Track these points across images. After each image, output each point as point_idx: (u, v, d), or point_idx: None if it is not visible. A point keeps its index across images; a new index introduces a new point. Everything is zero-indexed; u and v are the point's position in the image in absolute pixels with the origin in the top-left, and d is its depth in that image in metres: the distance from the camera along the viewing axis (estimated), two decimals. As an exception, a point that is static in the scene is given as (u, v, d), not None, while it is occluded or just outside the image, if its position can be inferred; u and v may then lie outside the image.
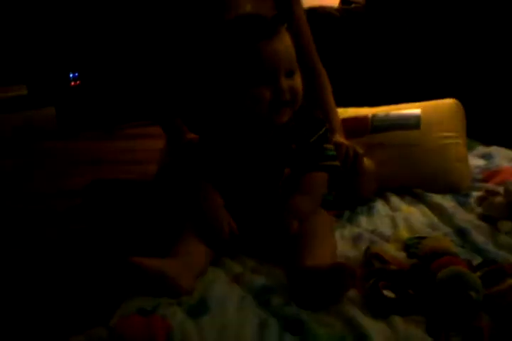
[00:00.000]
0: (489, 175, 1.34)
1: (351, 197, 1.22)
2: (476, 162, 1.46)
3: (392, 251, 0.98)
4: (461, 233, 1.04)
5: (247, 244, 1.02)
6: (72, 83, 2.96)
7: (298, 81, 1.02)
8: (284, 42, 1.01)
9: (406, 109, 1.42)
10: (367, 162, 1.24)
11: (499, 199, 1.07)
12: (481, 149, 1.56)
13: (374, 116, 1.42)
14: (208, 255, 0.97)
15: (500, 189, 1.09)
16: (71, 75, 2.97)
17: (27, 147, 2.53)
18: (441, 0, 1.97)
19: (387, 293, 0.83)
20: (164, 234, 1.05)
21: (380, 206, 1.22)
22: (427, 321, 0.79)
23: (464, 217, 1.10)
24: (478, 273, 0.84)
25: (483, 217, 1.09)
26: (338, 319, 0.79)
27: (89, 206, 1.54)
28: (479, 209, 1.13)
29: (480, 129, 1.59)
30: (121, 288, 0.90)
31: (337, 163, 1.09)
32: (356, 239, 1.06)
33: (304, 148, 1.05)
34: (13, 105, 2.59)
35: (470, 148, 1.55)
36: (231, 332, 0.77)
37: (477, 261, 0.91)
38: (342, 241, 1.06)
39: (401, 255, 0.96)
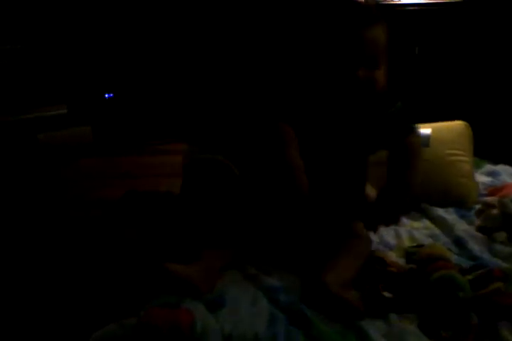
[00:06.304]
0: (493, 190, 1.41)
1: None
2: (483, 179, 1.53)
3: (393, 257, 1.07)
4: (459, 242, 1.13)
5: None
6: (107, 103, 3.15)
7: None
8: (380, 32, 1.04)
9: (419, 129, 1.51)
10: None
11: (495, 211, 1.15)
12: (489, 167, 1.63)
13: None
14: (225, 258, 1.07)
15: (497, 202, 1.17)
16: (106, 96, 3.16)
17: (66, 163, 2.69)
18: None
19: (385, 293, 0.93)
20: (189, 240, 1.17)
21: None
22: (420, 318, 0.88)
23: (463, 228, 1.18)
24: (469, 277, 0.93)
25: (480, 229, 1.17)
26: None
27: (124, 213, 1.68)
28: (478, 222, 1.21)
29: (489, 149, 1.68)
30: (150, 287, 1.02)
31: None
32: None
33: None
34: (53, 123, 2.77)
35: (478, 167, 1.62)
36: (245, 323, 0.88)
37: (470, 267, 1.00)
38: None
39: (401, 261, 1.05)
